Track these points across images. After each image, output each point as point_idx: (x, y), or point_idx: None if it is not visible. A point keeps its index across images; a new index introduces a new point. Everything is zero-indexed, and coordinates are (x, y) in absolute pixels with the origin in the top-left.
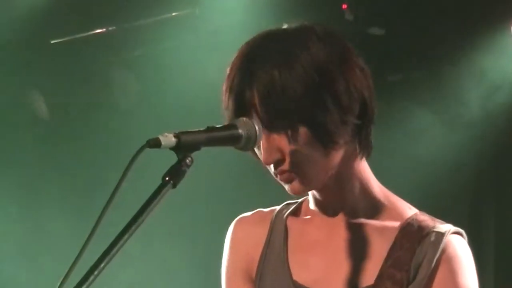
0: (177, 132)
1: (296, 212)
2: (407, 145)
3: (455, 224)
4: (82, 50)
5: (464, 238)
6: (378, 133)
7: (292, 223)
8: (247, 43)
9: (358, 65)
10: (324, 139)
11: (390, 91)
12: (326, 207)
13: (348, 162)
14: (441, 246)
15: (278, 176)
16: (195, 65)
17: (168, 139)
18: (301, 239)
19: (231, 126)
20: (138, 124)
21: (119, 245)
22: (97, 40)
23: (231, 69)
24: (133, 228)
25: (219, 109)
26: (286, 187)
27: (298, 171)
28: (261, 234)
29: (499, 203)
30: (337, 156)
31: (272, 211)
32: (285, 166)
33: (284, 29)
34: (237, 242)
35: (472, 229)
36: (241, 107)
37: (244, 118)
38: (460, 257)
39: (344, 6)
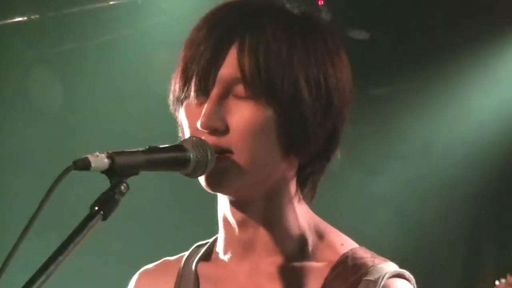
0: (110, 152)
1: (207, 256)
2: (395, 175)
3: (452, 261)
4: None
5: (409, 281)
6: (362, 155)
7: (203, 270)
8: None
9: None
10: (293, 135)
11: (373, 107)
12: (243, 247)
13: (287, 183)
14: None
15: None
16: (136, 64)
17: (100, 160)
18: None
19: (178, 147)
20: (61, 137)
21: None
22: (15, 30)
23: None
24: (51, 268)
25: (164, 121)
26: (207, 180)
27: (237, 157)
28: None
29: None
30: (285, 167)
31: (180, 258)
32: (225, 142)
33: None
34: None
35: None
36: (216, 53)
37: (194, 138)
38: None
39: (321, 2)
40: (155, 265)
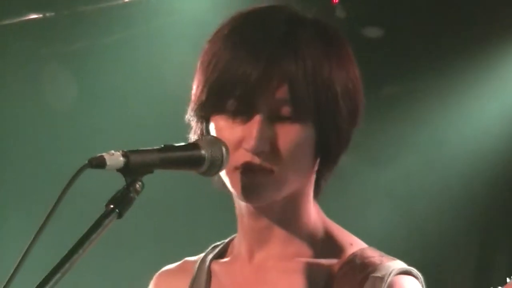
0: (125, 150)
1: (222, 254)
2: (404, 180)
3: (461, 257)
4: (11, 39)
5: (417, 279)
6: (369, 151)
7: (216, 267)
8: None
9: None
10: (330, 149)
11: (385, 106)
12: (256, 243)
13: (307, 186)
14: None
15: (247, 173)
16: (149, 63)
17: (115, 158)
18: (225, 284)
19: (192, 146)
20: (75, 135)
21: (50, 285)
22: (29, 28)
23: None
24: (67, 265)
25: (178, 119)
26: (244, 194)
27: (277, 174)
28: (183, 286)
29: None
30: (311, 174)
31: (199, 258)
32: (269, 163)
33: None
34: None
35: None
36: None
37: (209, 137)
38: None
39: (335, 0)
40: (175, 265)
